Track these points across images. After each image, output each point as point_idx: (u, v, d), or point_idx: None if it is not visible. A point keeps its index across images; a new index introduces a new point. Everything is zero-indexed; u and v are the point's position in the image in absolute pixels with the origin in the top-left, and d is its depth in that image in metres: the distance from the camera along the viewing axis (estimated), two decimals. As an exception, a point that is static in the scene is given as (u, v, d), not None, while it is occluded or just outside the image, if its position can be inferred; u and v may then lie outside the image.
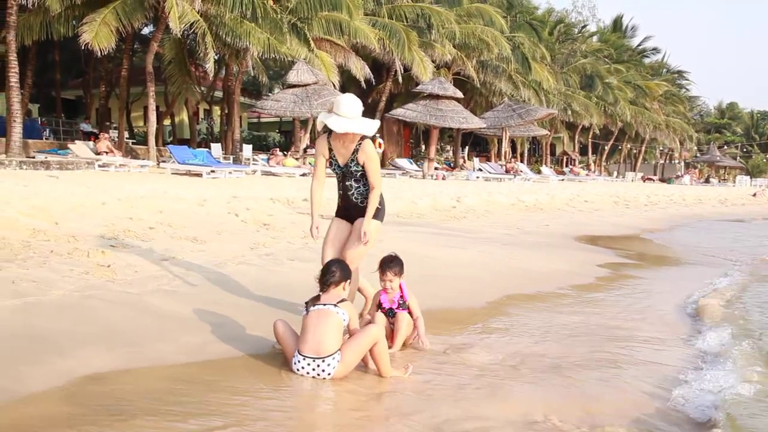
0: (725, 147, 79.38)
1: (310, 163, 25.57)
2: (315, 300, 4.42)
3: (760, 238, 16.28)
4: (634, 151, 62.71)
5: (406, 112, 30.55)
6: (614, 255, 11.29)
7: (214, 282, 6.28)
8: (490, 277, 8.15)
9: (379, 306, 5.13)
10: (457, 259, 9.13)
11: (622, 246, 12.95)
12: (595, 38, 56.17)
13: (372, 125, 5.01)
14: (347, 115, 4.91)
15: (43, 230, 7.21)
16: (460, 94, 31.61)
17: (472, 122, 31.43)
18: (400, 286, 5.09)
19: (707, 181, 62.33)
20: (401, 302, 5.09)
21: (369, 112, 33.08)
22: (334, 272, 4.46)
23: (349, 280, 4.55)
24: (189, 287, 5.93)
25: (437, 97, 30.30)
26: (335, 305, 4.32)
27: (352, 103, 4.96)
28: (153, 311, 5.20)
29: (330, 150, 5.12)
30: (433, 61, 31.87)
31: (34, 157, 19.19)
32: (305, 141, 26.72)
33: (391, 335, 4.97)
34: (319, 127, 5.13)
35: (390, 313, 5.08)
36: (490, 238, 11.78)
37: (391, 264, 5.04)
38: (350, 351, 4.23)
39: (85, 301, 5.15)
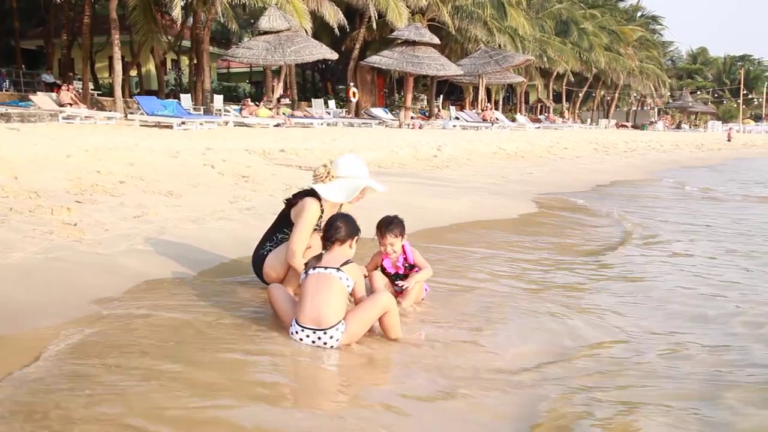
0: (697, 92, 79.61)
1: (283, 113, 24.82)
2: (317, 260, 3.77)
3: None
4: (608, 98, 62.44)
5: (382, 59, 29.75)
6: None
7: (193, 239, 5.76)
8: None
9: (383, 272, 4.59)
10: (449, 210, 8.70)
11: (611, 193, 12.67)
12: (570, -18, 55.29)
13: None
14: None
15: (1, 185, 6.59)
16: (437, 41, 30.89)
17: (450, 69, 30.76)
18: (403, 248, 4.55)
19: (679, 126, 62.57)
20: (407, 265, 4.55)
21: (343, 59, 32.24)
22: (339, 228, 3.81)
23: (357, 237, 3.91)
24: (165, 246, 5.41)
25: (413, 43, 29.54)
26: (338, 269, 3.69)
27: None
28: (125, 273, 4.69)
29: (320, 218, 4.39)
30: (408, 7, 31.06)
31: (-7, 110, 18.25)
32: (278, 90, 25.87)
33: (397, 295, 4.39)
34: (349, 196, 4.34)
35: (396, 277, 4.57)
36: (477, 188, 11.35)
37: (391, 226, 4.46)
38: (356, 321, 3.65)
39: (50, 264, 4.61)
